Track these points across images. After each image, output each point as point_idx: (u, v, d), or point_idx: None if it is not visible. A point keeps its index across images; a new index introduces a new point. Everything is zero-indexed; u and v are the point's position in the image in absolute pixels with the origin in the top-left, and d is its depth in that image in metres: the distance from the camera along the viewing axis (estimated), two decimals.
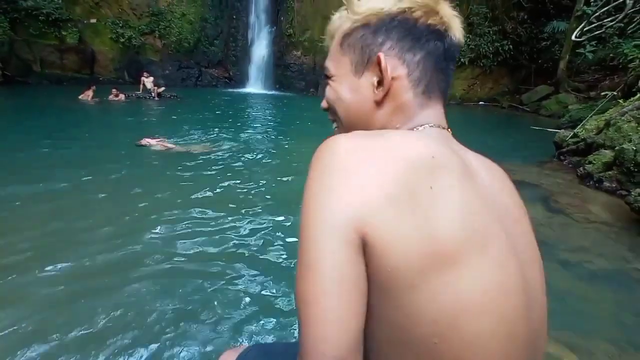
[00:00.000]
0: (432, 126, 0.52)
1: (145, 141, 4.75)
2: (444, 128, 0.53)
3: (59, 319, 1.66)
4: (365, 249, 0.40)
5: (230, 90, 15.36)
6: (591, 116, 5.50)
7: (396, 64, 0.51)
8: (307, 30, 16.05)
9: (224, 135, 6.03)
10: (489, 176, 0.51)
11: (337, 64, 0.56)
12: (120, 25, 14.37)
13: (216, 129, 6.44)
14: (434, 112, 0.53)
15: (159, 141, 4.82)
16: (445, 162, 0.44)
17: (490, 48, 12.78)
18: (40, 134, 5.35)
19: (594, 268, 2.32)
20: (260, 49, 16.07)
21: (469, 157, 0.51)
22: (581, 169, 4.17)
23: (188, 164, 4.23)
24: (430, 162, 0.43)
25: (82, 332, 1.59)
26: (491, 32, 12.82)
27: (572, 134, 5.17)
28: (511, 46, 12.68)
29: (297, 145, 5.70)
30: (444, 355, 0.39)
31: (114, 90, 9.53)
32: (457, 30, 0.52)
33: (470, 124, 9.90)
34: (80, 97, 8.90)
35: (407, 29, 0.50)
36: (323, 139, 0.46)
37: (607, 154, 4.03)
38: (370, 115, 0.54)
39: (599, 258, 2.44)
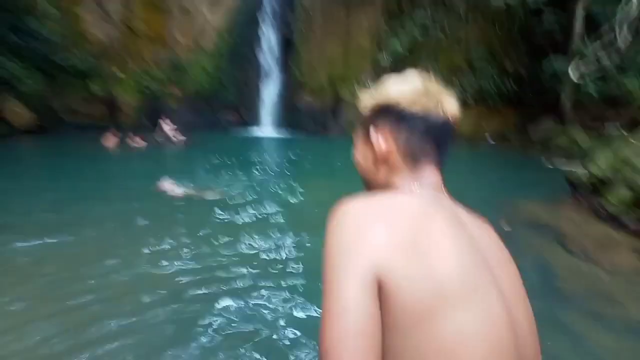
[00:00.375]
0: (425, 186, 0.66)
1: (162, 186, 4.95)
2: (436, 188, 0.66)
3: None
4: (380, 292, 0.48)
5: (244, 134, 16.04)
6: (601, 152, 5.49)
7: (389, 140, 0.69)
8: (315, 75, 17.05)
9: (238, 180, 6.23)
10: (475, 227, 0.61)
11: (356, 137, 0.78)
12: (144, 77, 15.56)
13: (230, 173, 6.68)
14: (425, 176, 0.67)
15: (174, 185, 5.01)
16: (436, 215, 0.56)
17: (494, 87, 13.20)
18: (67, 180, 5.64)
19: (628, 321, 2.22)
20: (271, 94, 17.00)
21: (459, 211, 0.63)
22: (600, 208, 4.09)
23: (202, 209, 4.36)
24: (424, 216, 0.55)
25: None
26: (492, 72, 13.31)
27: (585, 171, 5.15)
28: (514, 85, 13.07)
29: (307, 186, 5.83)
30: None
31: (134, 136, 10.08)
32: (440, 110, 0.67)
33: (480, 163, 9.96)
34: (104, 143, 9.43)
35: (395, 115, 0.69)
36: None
37: (626, 193, 3.96)
38: (375, 175, 0.72)
39: (633, 310, 2.33)
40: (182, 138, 11.09)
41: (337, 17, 16.54)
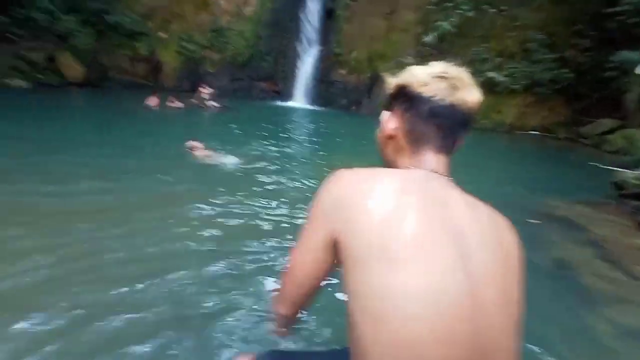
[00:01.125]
0: (418, 168, 0.71)
1: (191, 145, 5.15)
2: (433, 172, 0.70)
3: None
4: (336, 245, 0.64)
5: (277, 103, 16.09)
6: None
7: (397, 120, 0.75)
8: (354, 50, 16.46)
9: (268, 147, 6.34)
10: (466, 210, 0.65)
11: (381, 115, 0.84)
12: (186, 39, 15.85)
13: (258, 141, 6.81)
14: (424, 160, 0.72)
15: (202, 147, 5.18)
16: (411, 190, 0.63)
17: (547, 76, 12.07)
18: (107, 134, 6.05)
19: None
20: (307, 66, 16.73)
21: (448, 194, 0.67)
22: None
23: (225, 174, 4.52)
24: (399, 188, 0.63)
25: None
26: (549, 60, 12.13)
27: (636, 174, 4.70)
28: (572, 75, 11.87)
29: (330, 160, 5.84)
30: (390, 325, 0.54)
31: (172, 98, 10.46)
32: (452, 96, 0.70)
33: (519, 154, 9.36)
34: (145, 102, 9.89)
35: (405, 97, 0.73)
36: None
37: None
38: (384, 153, 0.80)
39: None
40: (218, 105, 11.36)
41: None
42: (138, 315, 1.79)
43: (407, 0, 15.56)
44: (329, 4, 16.31)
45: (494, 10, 12.97)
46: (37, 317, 1.71)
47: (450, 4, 13.64)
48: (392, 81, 0.77)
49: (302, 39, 16.81)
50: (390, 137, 0.76)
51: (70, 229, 2.65)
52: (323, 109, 15.73)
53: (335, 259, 0.67)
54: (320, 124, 10.94)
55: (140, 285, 2.02)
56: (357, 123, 12.75)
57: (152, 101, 9.98)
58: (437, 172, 0.70)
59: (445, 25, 13.40)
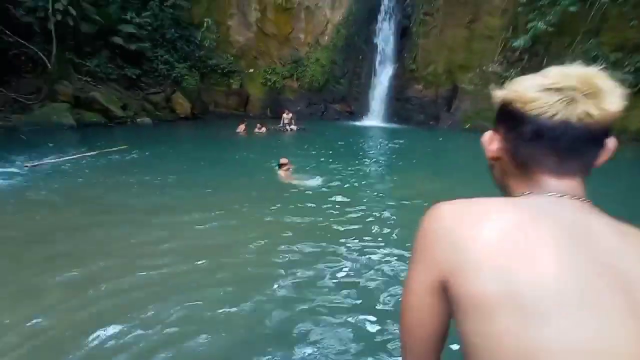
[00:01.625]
0: (537, 194, 0.59)
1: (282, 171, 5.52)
2: (560, 196, 0.58)
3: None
4: (448, 290, 0.53)
5: (351, 123, 16.40)
6: None
7: (501, 140, 0.65)
8: (431, 64, 15.91)
9: (347, 166, 6.41)
10: (617, 241, 0.52)
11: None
12: (269, 72, 17.66)
13: (340, 159, 6.96)
14: (541, 185, 0.60)
15: (289, 165, 5.53)
16: (539, 221, 0.52)
17: None
18: (207, 153, 7.02)
19: None
20: (382, 85, 16.77)
21: (586, 221, 0.54)
22: None
23: (305, 194, 4.71)
24: (522, 220, 0.52)
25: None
26: None
27: None
28: None
29: (407, 179, 5.57)
30: None
31: (258, 124, 11.66)
32: (572, 111, 0.57)
33: None
34: (237, 130, 11.27)
35: (507, 116, 0.63)
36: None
37: None
38: (493, 173, 0.70)
39: None
40: (297, 127, 12.26)
41: None
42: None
43: (491, 5, 14.52)
44: (404, 22, 16.27)
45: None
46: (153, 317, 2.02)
47: (546, 1, 12.19)
48: (497, 95, 0.66)
49: (376, 59, 17.05)
50: (496, 159, 0.66)
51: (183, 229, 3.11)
52: (399, 126, 15.41)
53: (448, 305, 0.56)
54: (398, 141, 10.69)
55: (230, 307, 2.20)
56: (435, 138, 12.07)
57: (241, 128, 11.37)
58: (565, 196, 0.58)
59: (540, 25, 11.96)
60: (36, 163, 5.67)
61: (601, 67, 0.58)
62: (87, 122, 11.24)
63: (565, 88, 0.56)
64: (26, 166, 5.53)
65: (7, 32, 10.92)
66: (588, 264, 0.47)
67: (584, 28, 11.76)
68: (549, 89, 0.57)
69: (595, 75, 0.57)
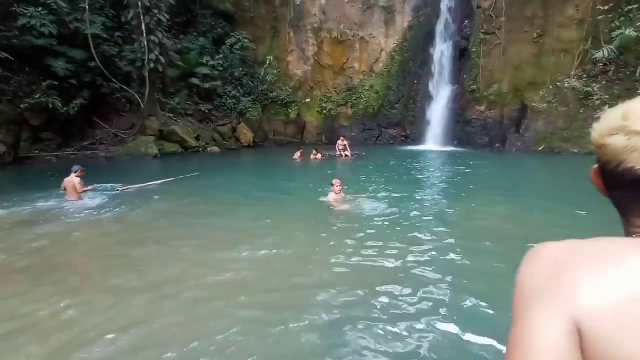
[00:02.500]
0: None
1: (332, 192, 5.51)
2: None
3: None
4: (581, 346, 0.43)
5: (407, 147, 16.00)
6: None
7: (603, 185, 0.56)
8: (494, 84, 14.99)
9: (402, 193, 6.20)
10: None
11: None
12: (325, 101, 18.40)
13: (395, 185, 6.77)
14: None
15: (340, 185, 5.40)
16: None
17: None
18: (266, 180, 7.39)
19: None
20: (440, 108, 16.24)
21: None
22: None
23: (360, 219, 4.61)
24: None
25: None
26: None
27: None
28: None
29: (473, 209, 5.11)
30: None
31: (314, 150, 12.04)
32: None
33: None
34: (293, 157, 11.79)
35: (606, 170, 0.54)
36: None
37: None
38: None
39: None
40: (352, 153, 12.39)
41: (530, 13, 14.02)
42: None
43: (563, 17, 13.37)
44: (463, 43, 15.82)
45: None
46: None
47: (634, 6, 10.84)
48: (594, 134, 0.55)
49: (432, 83, 16.69)
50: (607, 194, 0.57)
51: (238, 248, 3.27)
52: (460, 149, 14.54)
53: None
54: (458, 166, 10.05)
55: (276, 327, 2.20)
56: (502, 162, 11.07)
57: (297, 155, 11.87)
58: None
59: (629, 32, 10.59)
60: (126, 187, 6.58)
61: None
62: (167, 152, 12.85)
63: None
64: (117, 190, 6.46)
65: (114, 80, 13.33)
66: None
67: None
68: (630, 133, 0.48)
69: None
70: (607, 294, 0.43)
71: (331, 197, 5.33)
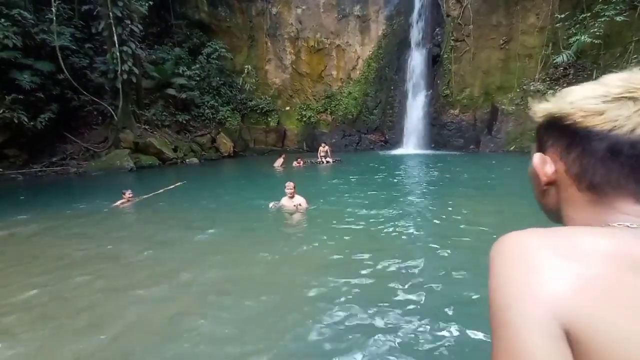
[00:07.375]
0: (628, 225, 0.48)
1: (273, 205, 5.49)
2: None
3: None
4: (571, 346, 0.40)
5: (386, 152, 16.31)
6: None
7: (555, 160, 0.55)
8: (466, 88, 15.64)
9: (384, 197, 6.31)
10: None
11: (532, 152, 0.62)
12: (304, 108, 18.54)
13: (376, 191, 6.87)
14: (621, 211, 0.49)
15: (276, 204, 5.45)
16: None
17: None
18: (246, 189, 7.31)
19: None
20: (416, 112, 16.71)
21: None
22: None
23: (341, 226, 4.66)
24: (624, 259, 0.42)
25: None
26: None
27: None
28: None
29: (447, 206, 5.28)
30: None
31: (298, 158, 12.08)
32: (638, 128, 0.47)
33: None
34: (274, 164, 11.73)
35: (564, 132, 0.53)
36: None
37: None
38: (542, 200, 0.60)
39: None
40: (332, 160, 12.52)
41: (495, 21, 14.79)
42: None
43: (525, 25, 14.20)
44: (435, 50, 16.44)
45: None
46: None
47: (587, 14, 11.67)
48: (538, 110, 0.57)
49: (408, 88, 17.19)
50: (550, 184, 0.56)
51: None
52: (437, 152, 15.00)
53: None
54: (434, 168, 10.35)
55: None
56: (477, 162, 11.50)
57: (278, 163, 11.84)
58: None
59: (584, 38, 11.37)
60: (119, 202, 6.21)
61: None
62: (143, 165, 12.49)
63: (638, 97, 0.47)
64: (116, 206, 6.13)
65: (84, 92, 12.88)
66: None
67: (637, 36, 10.94)
68: (619, 99, 0.48)
69: None
70: (583, 282, 0.41)
71: (284, 200, 5.41)
